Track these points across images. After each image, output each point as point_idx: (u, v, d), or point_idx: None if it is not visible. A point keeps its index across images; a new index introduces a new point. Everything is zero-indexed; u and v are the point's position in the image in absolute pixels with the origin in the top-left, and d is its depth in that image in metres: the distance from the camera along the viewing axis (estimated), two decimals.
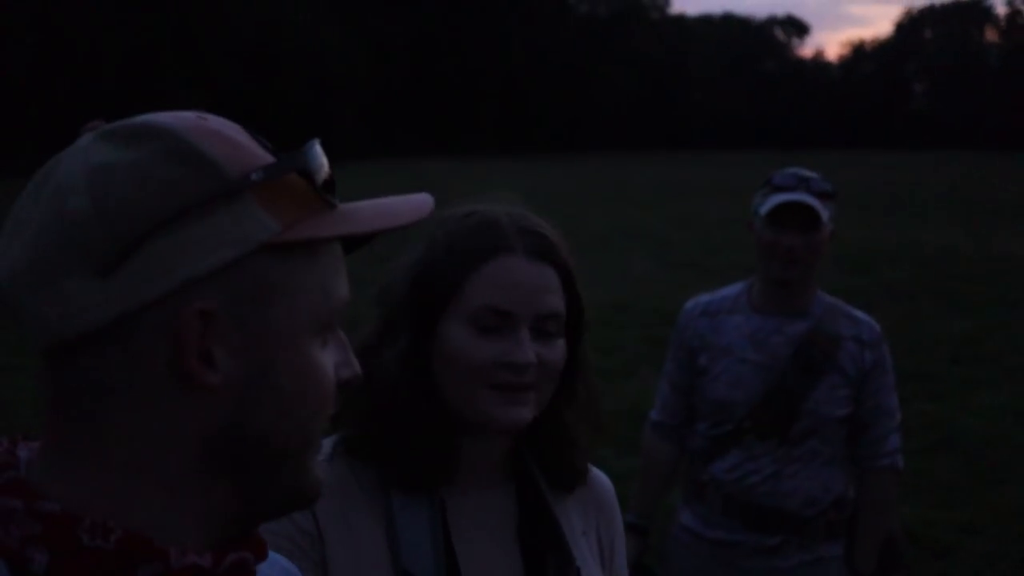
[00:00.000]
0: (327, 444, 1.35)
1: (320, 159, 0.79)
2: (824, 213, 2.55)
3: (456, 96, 52.27)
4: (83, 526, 0.71)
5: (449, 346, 1.28)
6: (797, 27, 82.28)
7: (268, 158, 0.77)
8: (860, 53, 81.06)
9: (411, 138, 46.57)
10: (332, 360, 0.80)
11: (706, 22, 79.27)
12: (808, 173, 2.62)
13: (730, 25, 79.46)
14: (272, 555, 0.94)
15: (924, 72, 77.18)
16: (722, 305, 2.71)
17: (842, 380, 2.60)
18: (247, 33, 41.08)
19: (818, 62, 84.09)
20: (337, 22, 46.78)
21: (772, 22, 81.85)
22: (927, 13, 79.07)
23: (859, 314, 2.69)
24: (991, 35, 77.17)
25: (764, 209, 2.57)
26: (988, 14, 76.70)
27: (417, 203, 0.83)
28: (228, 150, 0.75)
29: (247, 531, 0.79)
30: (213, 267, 0.72)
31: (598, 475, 1.46)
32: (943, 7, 77.94)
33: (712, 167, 33.94)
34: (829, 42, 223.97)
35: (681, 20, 77.37)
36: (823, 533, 2.63)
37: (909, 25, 79.11)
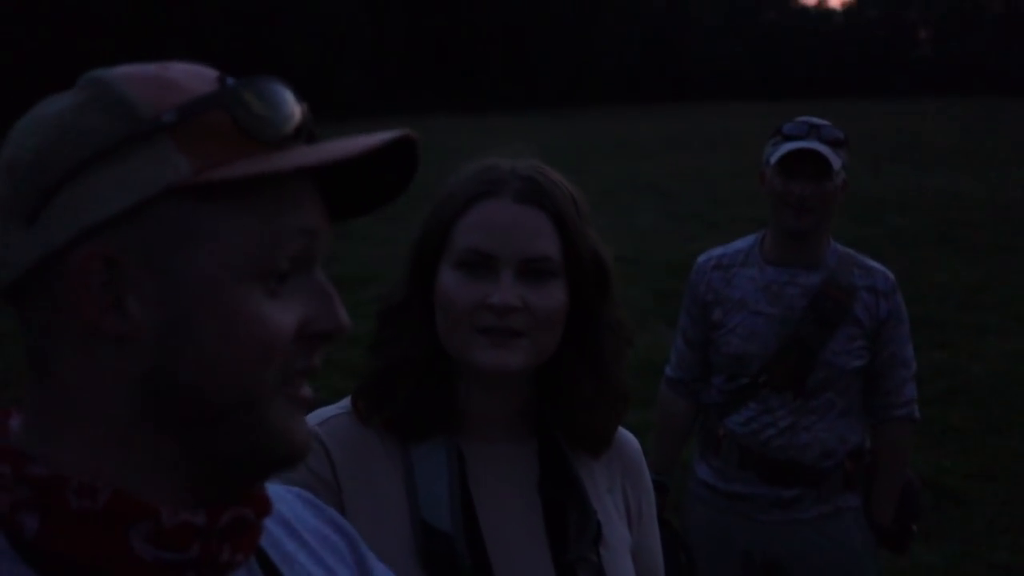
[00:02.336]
0: (346, 399, 1.38)
1: (253, 96, 0.74)
2: (835, 161, 2.52)
3: (457, 51, 51.94)
4: (71, 487, 0.71)
5: (439, 291, 1.29)
6: None
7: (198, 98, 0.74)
8: (864, 0, 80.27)
9: (413, 94, 46.32)
10: (289, 310, 0.75)
11: None
12: (818, 121, 2.59)
13: None
14: (280, 491, 0.93)
15: (928, 19, 76.45)
16: (735, 258, 2.68)
17: (857, 331, 2.58)
18: None
19: (821, 9, 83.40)
20: None
21: None
22: None
23: (873, 263, 2.67)
24: None
25: (774, 158, 2.54)
26: None
27: (377, 138, 0.77)
28: (156, 93, 0.73)
29: (236, 491, 0.77)
30: (114, 212, 0.70)
31: (624, 434, 1.46)
32: None
33: (715, 118, 33.75)
34: None
35: None
36: (840, 484, 2.63)
37: None
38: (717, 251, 2.74)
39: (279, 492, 0.93)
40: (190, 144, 0.71)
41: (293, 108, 0.76)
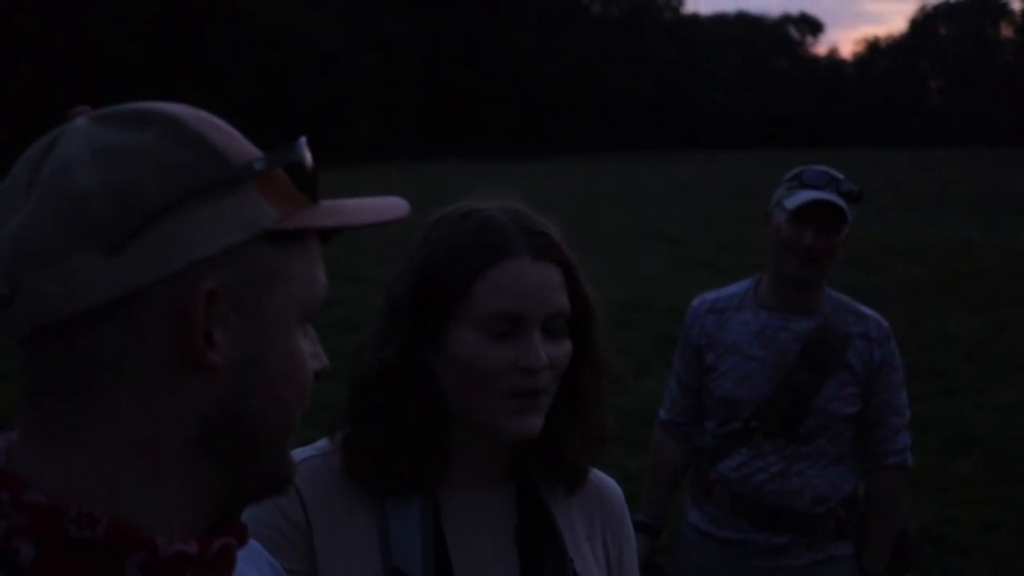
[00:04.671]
0: (323, 440, 1.36)
1: (306, 154, 0.81)
2: (849, 215, 2.54)
3: (469, 99, 52.26)
4: (69, 516, 0.71)
5: (459, 354, 1.26)
6: (811, 25, 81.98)
7: (257, 151, 0.80)
8: (875, 50, 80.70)
9: (424, 141, 46.59)
10: (308, 349, 0.82)
11: (720, 21, 79.05)
12: (837, 173, 2.59)
13: (744, 24, 79.17)
14: (252, 542, 0.94)
15: (939, 69, 76.77)
16: (729, 302, 2.69)
17: (851, 378, 2.58)
18: (259, 36, 41.18)
19: (832, 60, 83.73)
20: (349, 25, 46.84)
21: (786, 20, 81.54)
22: (942, 9, 78.63)
23: (866, 310, 2.67)
24: (1006, 31, 76.72)
25: (791, 204, 2.52)
26: (1003, 10, 76.26)
27: (395, 203, 0.86)
28: (227, 139, 0.78)
29: (227, 516, 0.80)
30: (219, 249, 0.74)
31: (606, 481, 1.45)
32: (958, 3, 77.47)
33: (725, 166, 33.85)
34: (843, 40, 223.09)
35: (695, 19, 77.26)
36: (832, 532, 2.62)
37: (924, 22, 78.69)
38: (712, 295, 2.75)
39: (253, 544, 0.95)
40: (269, 193, 0.77)
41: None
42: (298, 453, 1.31)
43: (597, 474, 1.44)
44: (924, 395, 6.97)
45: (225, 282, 0.74)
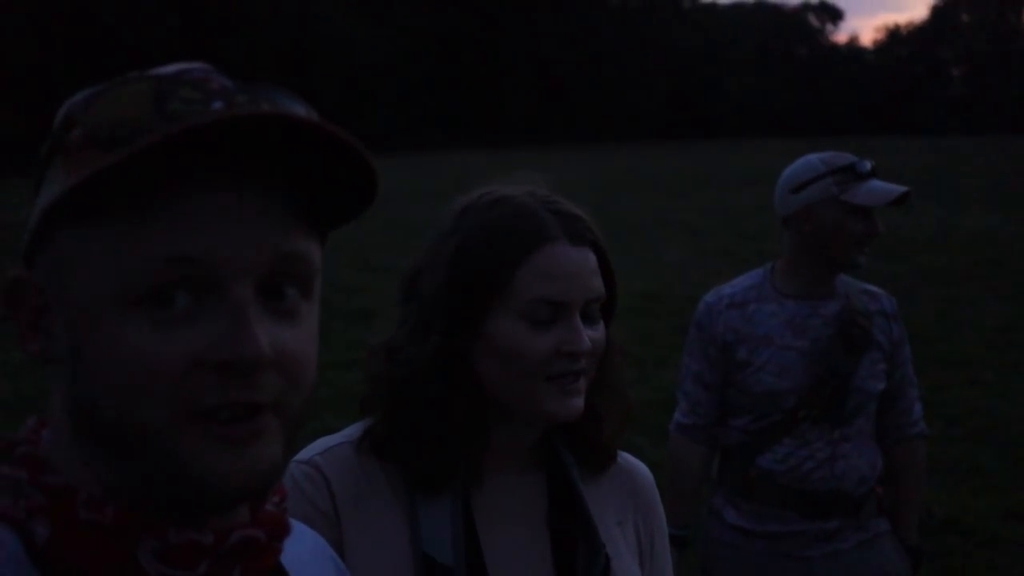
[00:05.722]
0: (352, 427, 1.36)
1: (121, 107, 0.68)
2: None
3: (487, 88, 52.23)
4: (80, 499, 0.71)
5: (502, 341, 1.26)
6: (831, 12, 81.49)
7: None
8: (895, 38, 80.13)
9: (443, 131, 46.61)
10: (180, 338, 0.68)
11: (738, 9, 78.69)
12: (866, 159, 2.65)
13: (763, 12, 78.78)
14: (302, 528, 0.93)
15: (961, 56, 76.19)
16: (748, 295, 2.67)
17: (880, 354, 2.63)
18: (276, 25, 41.26)
19: (852, 48, 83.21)
20: (367, 14, 46.87)
21: (805, 8, 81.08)
22: None
23: (872, 287, 2.73)
24: None
25: (862, 198, 2.54)
26: None
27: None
28: (74, 105, 0.72)
29: (197, 516, 0.73)
30: (28, 239, 0.73)
31: (637, 465, 1.45)
32: None
33: (745, 155, 33.69)
34: (863, 27, 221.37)
35: (713, 7, 76.95)
36: (874, 510, 2.65)
37: (945, 9, 78.04)
38: (725, 290, 2.72)
39: (304, 529, 0.94)
40: (71, 161, 0.69)
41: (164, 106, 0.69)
42: (326, 441, 1.33)
43: (629, 459, 1.44)
44: (948, 384, 6.92)
45: (42, 272, 0.73)
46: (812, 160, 2.64)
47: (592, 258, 1.29)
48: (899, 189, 2.57)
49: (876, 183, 2.58)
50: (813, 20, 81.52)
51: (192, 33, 37.97)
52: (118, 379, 0.68)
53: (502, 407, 1.29)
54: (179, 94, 0.69)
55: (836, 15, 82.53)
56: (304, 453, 1.31)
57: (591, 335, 1.27)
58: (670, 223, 15.87)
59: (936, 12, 78.83)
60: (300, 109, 0.72)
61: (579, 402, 1.27)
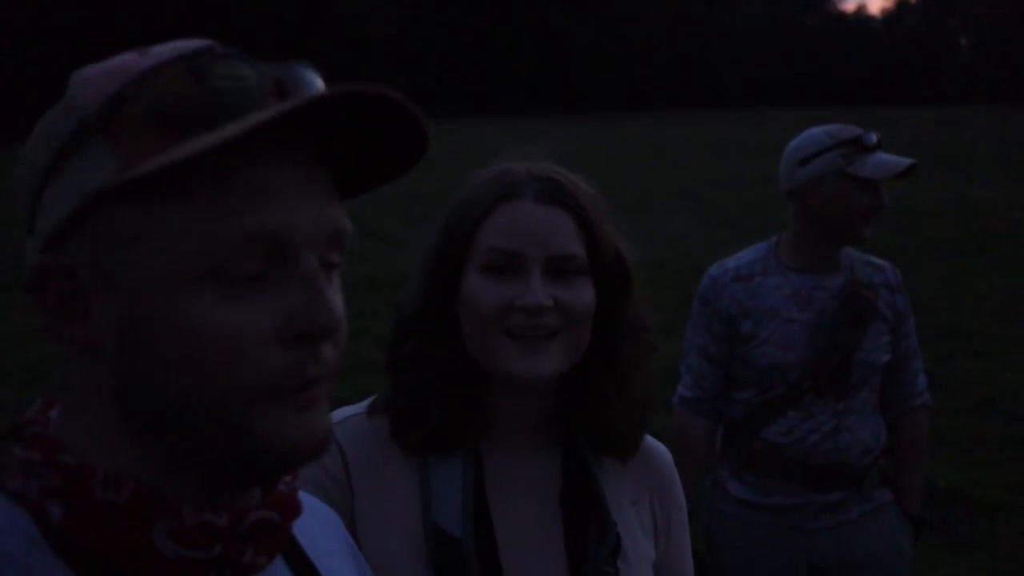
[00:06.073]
0: (369, 399, 1.37)
1: (181, 83, 0.68)
2: None
3: (494, 57, 51.99)
4: (96, 478, 0.71)
5: (465, 296, 1.27)
6: None
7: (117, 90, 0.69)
8: (904, 7, 79.55)
9: (449, 100, 46.43)
10: (260, 312, 0.69)
11: None
12: (871, 131, 2.65)
13: None
14: (312, 502, 0.94)
15: (969, 26, 75.63)
16: (752, 268, 2.67)
17: (884, 326, 2.63)
18: None
19: (861, 17, 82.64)
20: None
21: None
22: None
23: (876, 259, 2.73)
24: None
25: (869, 171, 2.54)
26: None
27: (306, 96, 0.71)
28: (99, 85, 0.70)
29: (240, 492, 0.75)
30: (62, 222, 0.70)
31: (655, 446, 1.43)
32: None
33: (752, 124, 33.59)
34: None
35: None
36: (877, 480, 2.66)
37: None
38: (730, 263, 2.71)
39: (314, 503, 0.94)
40: (119, 140, 0.67)
41: (239, 80, 0.69)
42: (342, 412, 1.33)
43: (647, 440, 1.42)
44: (953, 356, 6.92)
45: (85, 253, 0.69)
46: (818, 133, 2.63)
47: (562, 217, 1.27)
48: (905, 161, 2.56)
49: (882, 156, 2.57)
50: None
51: (198, 1, 37.78)
52: (185, 356, 0.68)
53: (484, 370, 1.29)
54: (215, 71, 0.69)
55: None
56: None
57: (559, 293, 1.25)
58: (675, 193, 15.83)
59: None
60: (320, 82, 0.74)
61: (543, 364, 1.24)
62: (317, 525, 0.91)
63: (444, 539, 1.24)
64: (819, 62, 68.57)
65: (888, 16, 79.68)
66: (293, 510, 0.79)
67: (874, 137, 2.58)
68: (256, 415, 0.70)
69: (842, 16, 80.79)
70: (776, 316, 2.61)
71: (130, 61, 0.70)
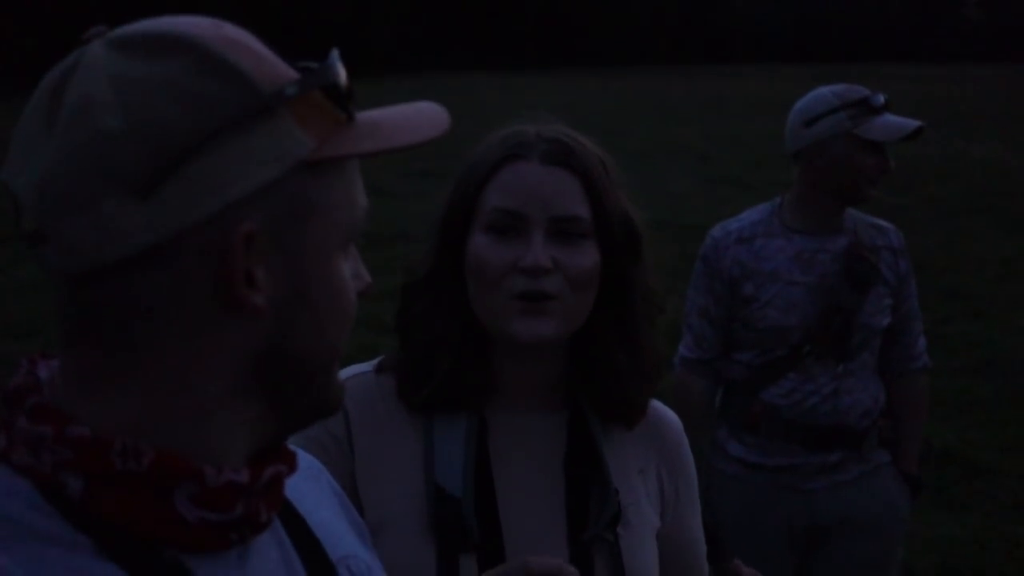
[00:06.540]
0: (375, 360, 1.37)
1: (341, 71, 0.76)
2: None
3: (493, 8, 51.57)
4: (115, 449, 0.70)
5: (470, 257, 1.28)
6: None
7: (291, 71, 0.74)
8: None
9: (449, 52, 46.09)
10: (349, 271, 0.80)
11: None
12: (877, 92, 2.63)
13: None
14: (319, 468, 0.96)
15: None
16: (755, 230, 2.66)
17: (886, 290, 2.64)
18: None
19: None
20: None
21: None
22: None
23: (880, 222, 2.73)
24: None
25: (878, 132, 2.53)
26: None
27: (432, 115, 0.81)
28: (256, 62, 0.72)
29: (277, 444, 0.79)
30: (255, 187, 0.70)
31: (665, 413, 1.43)
32: None
33: (754, 81, 33.37)
34: None
35: None
36: (875, 442, 2.68)
37: None
38: (733, 224, 2.71)
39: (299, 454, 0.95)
40: (304, 118, 0.73)
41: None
42: (349, 370, 1.34)
43: (656, 407, 1.42)
44: (951, 317, 6.93)
45: (263, 220, 0.71)
46: (825, 93, 2.61)
47: (567, 178, 1.27)
48: (912, 124, 2.55)
49: (890, 117, 2.56)
50: None
51: None
52: (336, 317, 0.77)
53: (488, 332, 1.29)
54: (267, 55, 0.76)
55: None
56: None
57: (561, 256, 1.25)
58: (677, 150, 15.76)
59: None
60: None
61: (544, 325, 1.24)
62: (302, 478, 0.91)
63: (444, 498, 1.25)
64: (823, 18, 68.03)
65: None
66: (295, 463, 0.81)
67: (882, 98, 2.57)
68: (336, 366, 0.81)
69: None
70: (778, 279, 2.60)
71: (255, 40, 0.75)
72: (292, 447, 0.83)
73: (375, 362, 1.37)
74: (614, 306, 1.31)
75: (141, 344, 0.71)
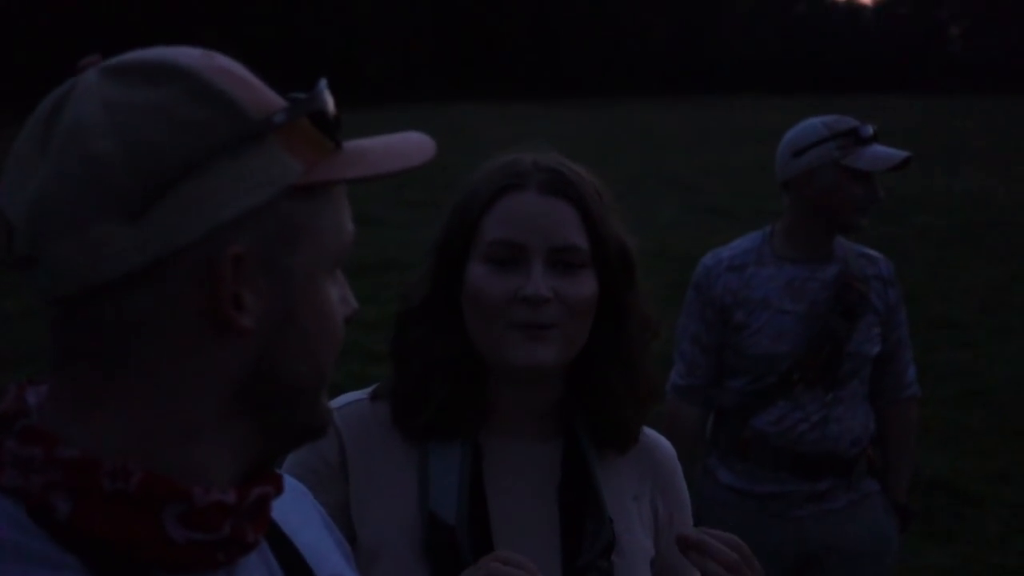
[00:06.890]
0: (371, 387, 1.38)
1: (328, 99, 0.78)
2: None
3: (484, 38, 51.85)
4: (103, 470, 0.71)
5: (469, 287, 1.28)
6: None
7: (279, 99, 0.76)
8: None
9: (438, 82, 46.28)
10: (337, 296, 0.81)
11: None
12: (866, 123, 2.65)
13: None
14: (302, 489, 0.96)
15: (960, 15, 75.71)
16: (746, 258, 2.68)
17: (875, 318, 2.65)
18: None
19: (852, 4, 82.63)
20: None
21: None
22: None
23: (870, 251, 2.75)
24: None
25: (865, 163, 2.55)
26: None
27: (419, 143, 0.83)
28: (245, 90, 0.74)
29: (263, 465, 0.80)
30: (243, 211, 0.71)
31: (659, 440, 1.44)
32: None
33: (742, 111, 33.55)
34: None
35: None
36: (865, 470, 2.68)
37: None
38: (724, 252, 2.73)
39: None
40: (292, 145, 0.75)
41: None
42: (344, 397, 1.35)
43: (650, 434, 1.43)
44: (938, 346, 6.95)
45: (251, 244, 0.72)
46: (815, 123, 2.63)
47: (565, 209, 1.28)
48: (900, 154, 2.57)
49: (878, 148, 2.58)
50: None
51: None
52: (323, 339, 0.78)
53: (486, 360, 1.30)
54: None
55: None
56: None
57: (560, 285, 1.26)
58: (665, 180, 15.81)
59: None
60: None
61: (544, 352, 1.25)
62: (288, 499, 0.92)
63: (438, 526, 1.25)
64: (810, 50, 68.56)
65: (879, 4, 79.69)
66: (281, 485, 0.82)
67: (870, 129, 2.59)
68: (324, 389, 0.82)
69: (834, 4, 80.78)
70: (768, 307, 2.62)
71: (244, 70, 0.77)
72: (279, 472, 0.84)
73: (370, 389, 1.37)
74: (610, 331, 1.32)
75: (130, 365, 0.72)
